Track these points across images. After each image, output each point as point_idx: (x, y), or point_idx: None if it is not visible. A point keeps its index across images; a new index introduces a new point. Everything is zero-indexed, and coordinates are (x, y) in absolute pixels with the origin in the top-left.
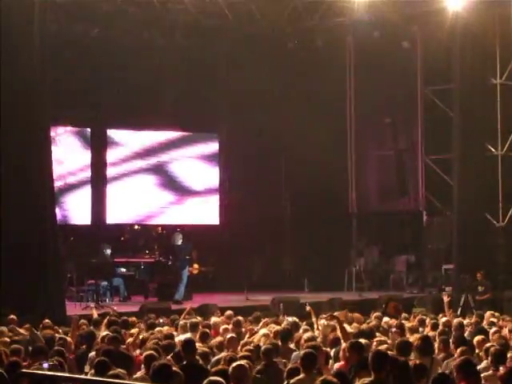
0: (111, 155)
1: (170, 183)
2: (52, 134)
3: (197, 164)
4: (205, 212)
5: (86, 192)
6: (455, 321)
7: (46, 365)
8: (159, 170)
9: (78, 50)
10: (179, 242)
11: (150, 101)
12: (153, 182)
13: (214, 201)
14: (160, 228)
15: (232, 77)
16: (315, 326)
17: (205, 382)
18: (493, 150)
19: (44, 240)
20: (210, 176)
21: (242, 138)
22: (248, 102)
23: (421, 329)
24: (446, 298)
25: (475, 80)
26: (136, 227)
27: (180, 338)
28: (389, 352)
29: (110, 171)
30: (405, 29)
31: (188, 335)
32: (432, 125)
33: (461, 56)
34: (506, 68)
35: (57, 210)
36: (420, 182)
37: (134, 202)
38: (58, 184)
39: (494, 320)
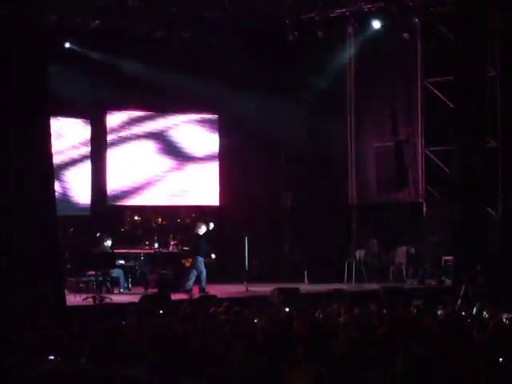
0: (111, 121)
1: (170, 149)
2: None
3: (196, 129)
4: (205, 181)
5: (86, 164)
6: (453, 312)
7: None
8: (158, 136)
9: (77, 42)
10: (202, 232)
11: (150, 92)
12: (152, 148)
13: (215, 168)
14: (160, 219)
15: (232, 70)
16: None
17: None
18: (492, 141)
19: (43, 230)
20: (210, 142)
21: (240, 130)
22: (247, 95)
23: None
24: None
25: (475, 72)
26: (136, 218)
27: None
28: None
29: (110, 137)
30: (406, 20)
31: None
32: (432, 116)
33: (461, 47)
34: (507, 60)
35: (57, 186)
36: (420, 173)
37: (133, 167)
38: (57, 160)
39: (493, 312)
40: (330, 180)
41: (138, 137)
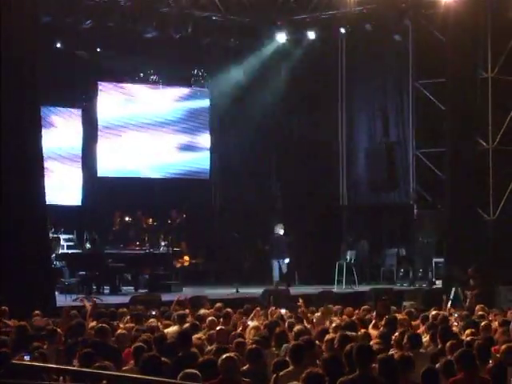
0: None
1: (160, 118)
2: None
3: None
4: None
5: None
6: (440, 314)
7: (27, 357)
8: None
9: (69, 42)
10: (281, 232)
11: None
12: (142, 116)
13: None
14: (151, 220)
15: (223, 70)
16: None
17: (180, 374)
18: (484, 143)
19: (33, 230)
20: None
21: (232, 132)
22: (240, 94)
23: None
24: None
25: (466, 74)
26: (126, 219)
27: (169, 330)
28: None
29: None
30: (397, 22)
31: (176, 327)
32: (423, 118)
33: (452, 49)
34: (498, 62)
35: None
36: (411, 175)
37: (124, 142)
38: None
39: (484, 313)
40: (320, 181)
41: (128, 107)
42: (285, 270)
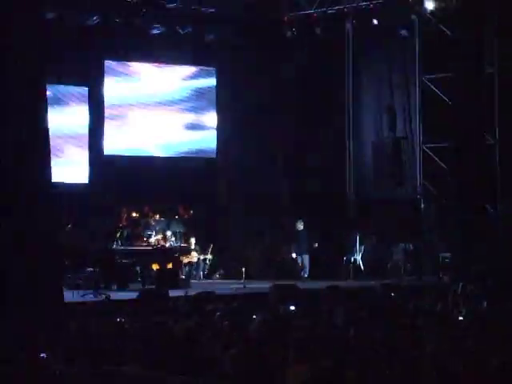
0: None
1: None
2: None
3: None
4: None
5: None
6: (447, 309)
7: (43, 355)
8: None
9: (75, 38)
10: (300, 228)
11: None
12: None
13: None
14: (158, 215)
15: (229, 66)
16: None
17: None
18: (490, 138)
19: (40, 226)
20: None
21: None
22: (243, 94)
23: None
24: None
25: (473, 68)
26: (134, 214)
27: (176, 326)
28: None
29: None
30: (403, 17)
31: (183, 323)
32: (430, 113)
33: (459, 44)
34: (505, 57)
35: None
36: (418, 170)
37: (131, 120)
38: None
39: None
40: (327, 176)
41: (135, 85)
42: (307, 265)
